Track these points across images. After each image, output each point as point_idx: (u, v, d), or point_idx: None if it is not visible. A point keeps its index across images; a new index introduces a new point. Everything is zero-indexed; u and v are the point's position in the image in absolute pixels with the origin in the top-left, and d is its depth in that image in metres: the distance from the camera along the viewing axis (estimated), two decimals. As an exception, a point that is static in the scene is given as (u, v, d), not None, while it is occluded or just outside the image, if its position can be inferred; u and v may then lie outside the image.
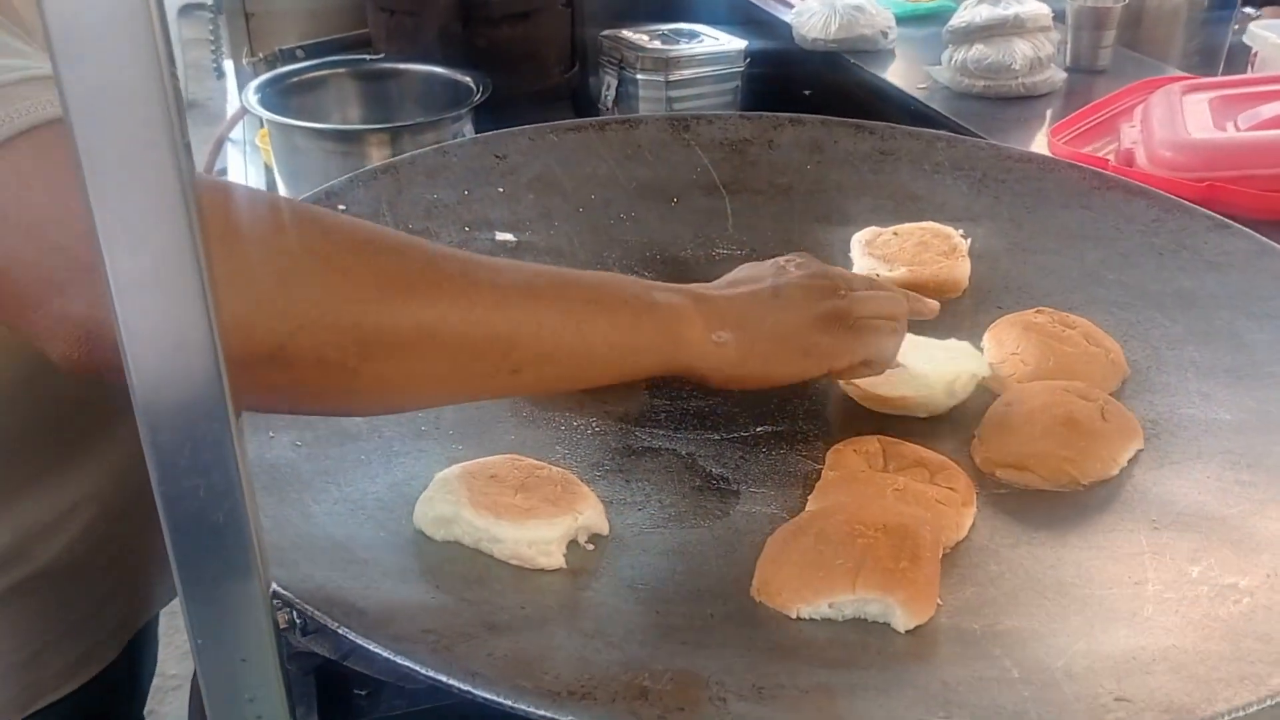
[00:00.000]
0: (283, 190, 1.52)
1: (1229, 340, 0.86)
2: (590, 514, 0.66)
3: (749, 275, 0.75)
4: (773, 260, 0.77)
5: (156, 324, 0.44)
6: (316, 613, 0.57)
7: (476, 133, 1.52)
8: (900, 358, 0.78)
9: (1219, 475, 0.73)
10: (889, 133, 1.15)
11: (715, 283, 0.75)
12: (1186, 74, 1.55)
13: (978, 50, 1.48)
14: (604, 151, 1.11)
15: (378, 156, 1.43)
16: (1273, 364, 0.83)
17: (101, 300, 0.41)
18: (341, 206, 0.99)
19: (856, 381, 0.79)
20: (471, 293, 0.59)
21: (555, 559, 0.64)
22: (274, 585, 0.58)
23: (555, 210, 1.04)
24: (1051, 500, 0.72)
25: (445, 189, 1.04)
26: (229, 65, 1.97)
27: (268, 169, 1.59)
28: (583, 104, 1.77)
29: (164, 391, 0.45)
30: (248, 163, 1.73)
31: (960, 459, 0.76)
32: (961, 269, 0.96)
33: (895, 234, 0.99)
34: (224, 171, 1.79)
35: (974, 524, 0.70)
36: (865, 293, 0.75)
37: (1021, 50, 1.47)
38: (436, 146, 1.09)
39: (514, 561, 0.64)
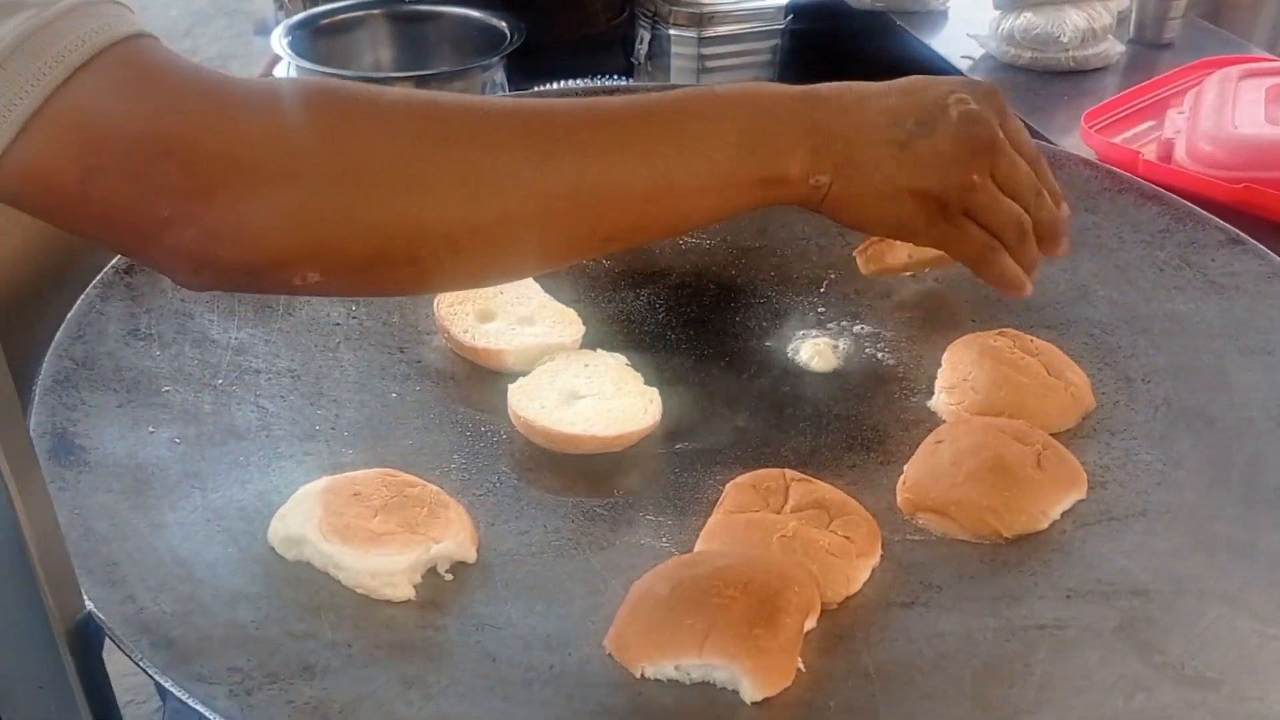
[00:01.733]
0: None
1: (1213, 377, 0.78)
2: (450, 543, 0.62)
3: (896, 104, 0.64)
4: (947, 87, 0.65)
5: None
6: (122, 641, 0.54)
7: (509, 82, 1.48)
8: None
9: (1157, 538, 0.66)
10: (895, 115, 1.07)
11: (862, 92, 0.65)
12: (1266, 55, 1.42)
13: (1026, 19, 1.38)
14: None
15: (403, 105, 1.40)
16: (1250, 408, 0.75)
17: (208, 228, 0.48)
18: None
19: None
20: (560, 158, 0.55)
21: (402, 590, 0.61)
22: (89, 606, 0.56)
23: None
24: (966, 553, 0.66)
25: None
26: (288, -4, 1.94)
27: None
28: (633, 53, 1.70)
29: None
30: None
31: (889, 497, 0.70)
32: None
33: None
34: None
35: (872, 575, 0.64)
36: (995, 197, 0.64)
37: (1073, 20, 1.36)
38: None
39: (359, 590, 0.61)
